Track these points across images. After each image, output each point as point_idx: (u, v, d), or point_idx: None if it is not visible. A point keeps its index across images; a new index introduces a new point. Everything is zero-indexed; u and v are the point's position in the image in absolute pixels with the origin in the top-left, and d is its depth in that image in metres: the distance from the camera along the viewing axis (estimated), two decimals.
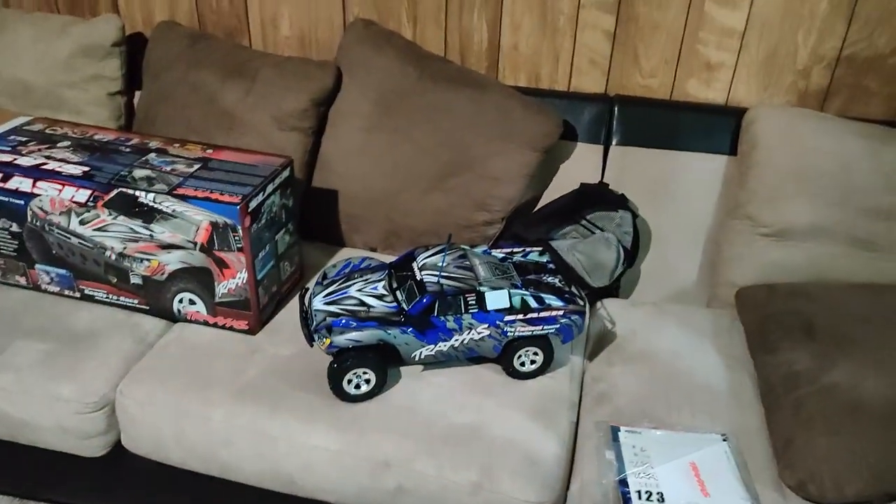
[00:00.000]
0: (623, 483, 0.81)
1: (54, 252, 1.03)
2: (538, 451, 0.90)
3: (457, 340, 0.96)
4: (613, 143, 1.22)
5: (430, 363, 1.01)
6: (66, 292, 1.08)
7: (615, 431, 0.89)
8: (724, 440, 0.88)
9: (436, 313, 0.93)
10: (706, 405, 0.95)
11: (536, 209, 1.28)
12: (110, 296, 1.07)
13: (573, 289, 1.02)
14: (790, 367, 0.93)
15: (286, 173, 1.05)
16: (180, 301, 1.05)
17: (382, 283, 1.00)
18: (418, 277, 0.96)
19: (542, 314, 0.97)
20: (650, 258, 1.24)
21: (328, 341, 0.91)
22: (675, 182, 1.19)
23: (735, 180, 1.18)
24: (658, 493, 0.79)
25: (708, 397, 0.97)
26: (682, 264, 1.24)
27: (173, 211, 0.96)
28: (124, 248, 1.01)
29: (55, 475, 1.10)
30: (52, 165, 0.98)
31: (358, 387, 0.94)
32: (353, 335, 0.92)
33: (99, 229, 1.00)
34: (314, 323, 0.96)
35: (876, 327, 0.96)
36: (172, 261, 1.01)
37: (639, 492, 0.79)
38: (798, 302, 1.06)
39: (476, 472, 0.88)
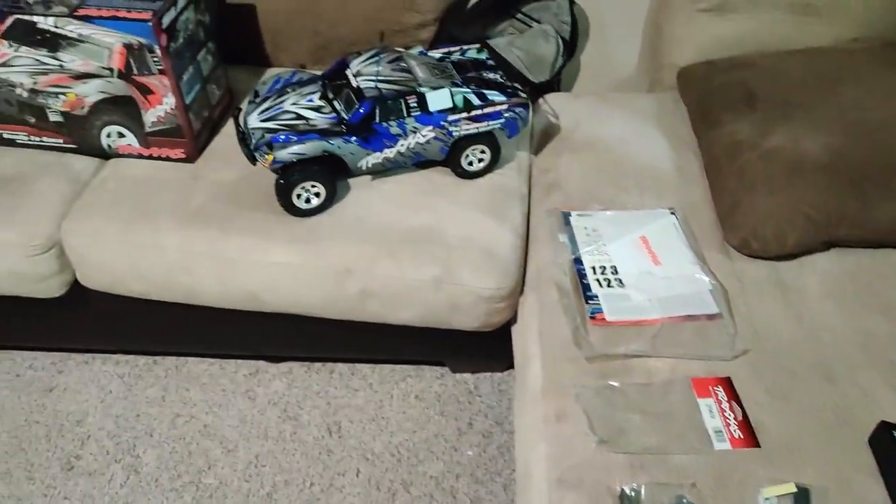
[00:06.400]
0: (578, 261, 0.98)
1: None
2: (494, 243, 1.05)
3: (402, 146, 1.05)
4: None
5: (378, 171, 1.11)
6: None
7: (566, 216, 1.08)
8: (672, 214, 1.03)
9: (378, 119, 1.01)
10: (653, 184, 1.13)
11: (469, 6, 1.35)
12: (32, 138, 1.08)
13: (514, 83, 1.08)
14: (733, 137, 1.06)
15: None
16: (108, 135, 1.06)
17: (317, 94, 1.07)
18: (355, 85, 1.03)
19: (486, 110, 1.05)
20: (590, 48, 1.39)
21: (270, 157, 0.98)
22: None
23: None
24: (612, 267, 0.96)
25: (655, 176, 1.14)
26: (622, 51, 1.40)
27: (80, 35, 0.94)
28: (35, 82, 1.00)
29: (20, 320, 1.23)
30: None
31: (308, 201, 1.03)
32: (296, 149, 0.99)
33: (2, 65, 1.00)
34: (253, 141, 1.02)
35: (812, 89, 1.11)
36: (91, 92, 1.00)
37: (593, 267, 0.97)
38: (738, 73, 1.18)
39: (437, 268, 1.02)
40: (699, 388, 0.87)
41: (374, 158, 1.08)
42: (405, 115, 1.05)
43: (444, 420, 1.31)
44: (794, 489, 0.74)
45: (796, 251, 1.01)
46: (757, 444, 0.81)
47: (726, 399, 0.85)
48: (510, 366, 1.22)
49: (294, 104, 1.07)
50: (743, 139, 1.08)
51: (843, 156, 1.01)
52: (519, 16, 1.34)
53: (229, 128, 1.24)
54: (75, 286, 1.15)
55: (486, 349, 1.25)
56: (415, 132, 1.06)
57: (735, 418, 0.83)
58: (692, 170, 1.17)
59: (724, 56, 1.25)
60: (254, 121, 1.06)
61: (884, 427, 0.79)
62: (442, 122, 1.06)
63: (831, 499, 0.75)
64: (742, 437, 0.82)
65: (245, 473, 1.25)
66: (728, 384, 0.87)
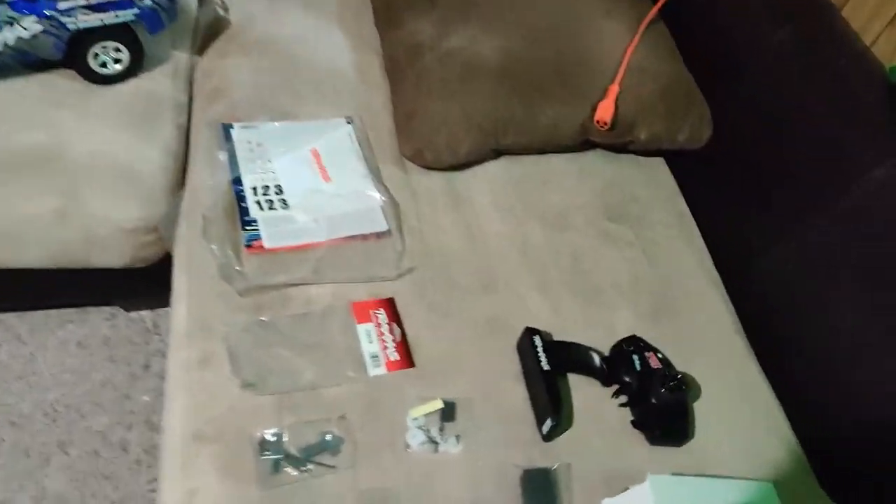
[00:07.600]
0: (237, 181, 0.89)
1: None
2: (135, 164, 0.90)
3: None
4: None
5: None
6: None
7: (227, 129, 0.95)
8: (350, 123, 1.00)
9: None
10: (332, 90, 1.04)
11: None
12: None
13: None
14: (414, 37, 1.04)
15: None
16: None
17: None
18: None
19: None
20: None
21: None
22: None
23: None
24: (276, 186, 0.90)
25: (334, 82, 1.05)
26: None
27: None
28: None
29: None
30: None
31: None
32: None
33: None
34: None
35: None
36: None
37: (255, 188, 0.89)
38: None
39: (59, 198, 0.86)
40: (359, 313, 0.83)
41: None
42: None
43: (115, 366, 1.16)
44: (441, 405, 0.75)
45: (469, 160, 1.00)
46: (412, 364, 0.81)
47: (387, 321, 0.83)
48: None
49: None
50: (423, 40, 1.04)
51: (515, 59, 1.01)
52: None
53: None
54: None
55: (164, 280, 1.10)
56: (11, 24, 0.86)
57: (394, 340, 0.82)
58: (374, 73, 1.10)
59: None
60: None
61: (527, 332, 0.83)
62: (47, 12, 0.87)
63: (476, 407, 0.78)
64: (399, 358, 0.80)
65: None
66: (391, 305, 0.85)
